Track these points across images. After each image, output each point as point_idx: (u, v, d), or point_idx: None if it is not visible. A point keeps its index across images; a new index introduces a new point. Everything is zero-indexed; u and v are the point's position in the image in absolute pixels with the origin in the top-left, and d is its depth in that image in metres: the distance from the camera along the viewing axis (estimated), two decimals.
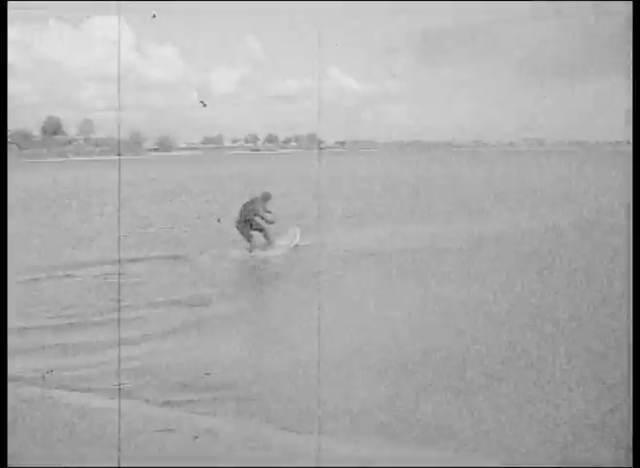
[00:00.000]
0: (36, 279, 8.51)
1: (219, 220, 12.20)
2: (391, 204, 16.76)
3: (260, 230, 9.71)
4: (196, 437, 3.96)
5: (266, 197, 9.84)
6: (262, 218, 9.61)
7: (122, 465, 3.69)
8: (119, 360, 5.10)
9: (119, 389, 4.76)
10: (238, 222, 9.69)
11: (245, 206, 9.71)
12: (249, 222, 9.63)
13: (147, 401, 4.61)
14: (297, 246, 9.87)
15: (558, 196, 18.18)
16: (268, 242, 9.71)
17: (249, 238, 9.65)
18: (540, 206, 15.62)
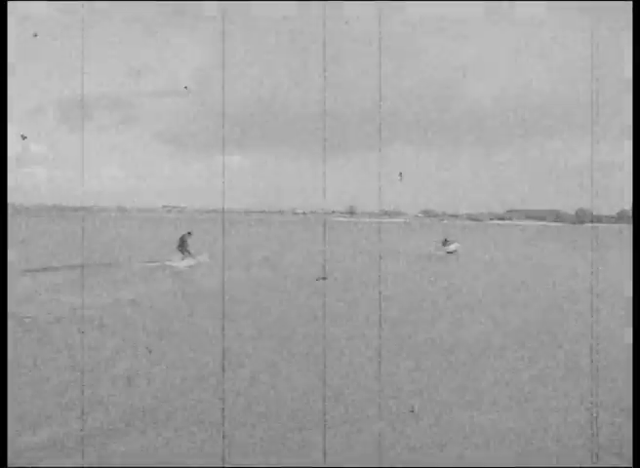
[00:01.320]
0: None
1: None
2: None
3: (184, 250, 19.66)
4: None
5: (191, 234, 19.72)
6: (187, 243, 19.60)
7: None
8: None
9: None
10: (179, 246, 19.51)
11: (182, 236, 19.70)
12: (180, 244, 19.54)
13: None
14: (207, 261, 19.35)
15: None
16: (189, 254, 19.52)
17: (183, 252, 19.50)
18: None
